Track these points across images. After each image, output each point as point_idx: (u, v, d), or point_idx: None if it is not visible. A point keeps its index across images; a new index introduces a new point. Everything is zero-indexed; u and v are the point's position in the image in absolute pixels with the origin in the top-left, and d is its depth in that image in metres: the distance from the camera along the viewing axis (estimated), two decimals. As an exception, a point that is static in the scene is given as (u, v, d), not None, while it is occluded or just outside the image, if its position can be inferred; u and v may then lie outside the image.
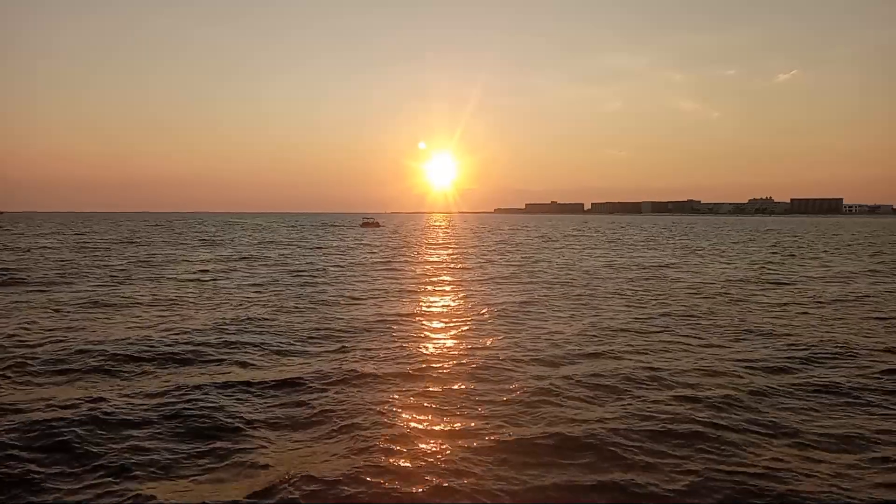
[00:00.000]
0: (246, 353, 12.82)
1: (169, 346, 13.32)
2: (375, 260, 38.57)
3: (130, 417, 8.85)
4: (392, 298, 21.10)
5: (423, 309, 18.95)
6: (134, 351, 12.75)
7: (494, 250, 49.14)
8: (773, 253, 45.31)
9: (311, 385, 10.48)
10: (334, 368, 11.52)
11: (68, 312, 17.68)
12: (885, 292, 22.99)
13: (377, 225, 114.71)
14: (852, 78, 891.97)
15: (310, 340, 14.11)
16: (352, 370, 11.34)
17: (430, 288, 24.42)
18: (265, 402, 9.63)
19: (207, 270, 30.36)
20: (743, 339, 14.42)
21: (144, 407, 9.26)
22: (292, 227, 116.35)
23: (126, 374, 11.24)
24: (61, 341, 13.72)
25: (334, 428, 8.58)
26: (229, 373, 11.39)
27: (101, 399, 9.66)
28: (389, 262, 37.45)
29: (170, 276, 27.41)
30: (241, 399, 9.77)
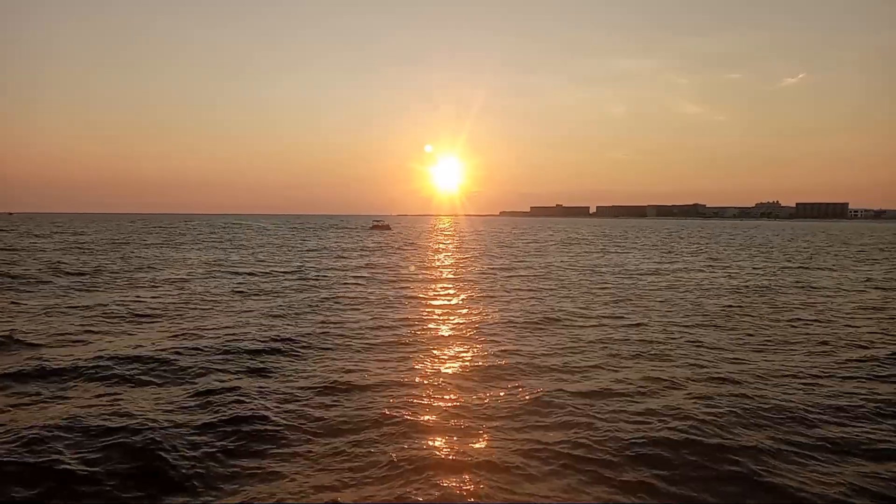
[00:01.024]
0: (233, 361, 12.83)
1: (136, 355, 12.97)
2: (372, 263, 39.28)
3: (156, 426, 8.86)
4: (380, 304, 21.04)
5: (416, 316, 18.94)
6: (105, 360, 12.56)
7: (493, 255, 49.52)
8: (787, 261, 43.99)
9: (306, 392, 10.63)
10: (332, 375, 11.70)
11: (36, 316, 17.89)
12: None
13: (387, 228, 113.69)
14: (858, 81, 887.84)
15: (292, 347, 14.15)
16: (339, 379, 11.38)
17: (422, 295, 24.19)
18: (292, 409, 9.77)
19: (193, 273, 30.75)
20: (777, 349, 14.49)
21: (159, 416, 9.34)
22: (295, 228, 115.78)
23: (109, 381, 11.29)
24: (54, 347, 14.07)
25: (345, 439, 8.72)
26: (236, 379, 11.50)
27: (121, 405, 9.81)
28: (387, 266, 37.99)
29: (149, 280, 27.36)
30: (252, 403, 9.96)
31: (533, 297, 23.31)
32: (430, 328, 17.15)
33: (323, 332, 15.91)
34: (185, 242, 61.29)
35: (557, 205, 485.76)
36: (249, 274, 31.09)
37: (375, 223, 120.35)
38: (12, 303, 20.39)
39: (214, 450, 8.24)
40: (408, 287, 26.65)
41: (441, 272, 33.95)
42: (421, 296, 23.96)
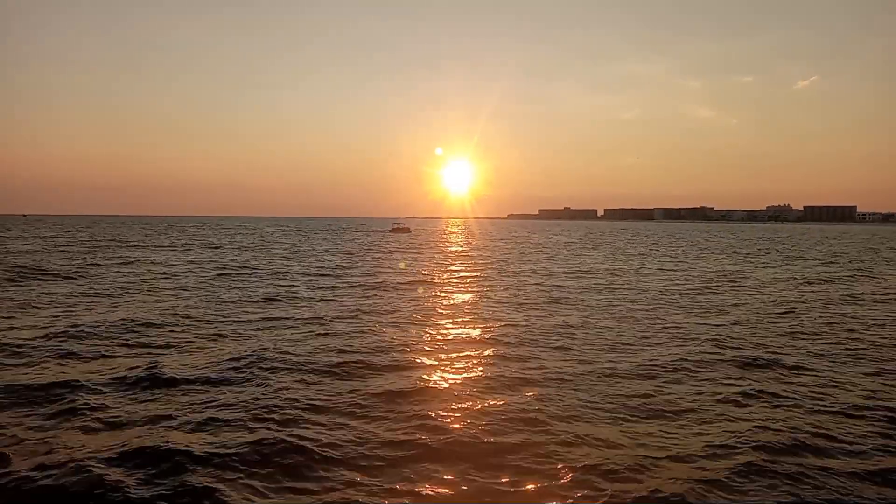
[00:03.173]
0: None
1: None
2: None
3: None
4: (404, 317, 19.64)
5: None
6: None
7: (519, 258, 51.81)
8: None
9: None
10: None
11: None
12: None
13: (407, 230, 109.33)
14: (869, 85, 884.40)
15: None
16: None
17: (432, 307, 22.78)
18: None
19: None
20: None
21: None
22: (312, 232, 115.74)
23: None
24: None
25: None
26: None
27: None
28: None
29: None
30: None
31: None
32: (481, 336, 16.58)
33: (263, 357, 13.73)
34: (176, 244, 62.59)
35: (566, 207, 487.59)
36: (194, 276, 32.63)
37: (396, 225, 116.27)
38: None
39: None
40: (438, 292, 26.54)
41: (477, 276, 34.79)
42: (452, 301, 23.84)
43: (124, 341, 15.17)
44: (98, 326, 16.79)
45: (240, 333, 16.42)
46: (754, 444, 8.78)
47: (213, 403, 10.40)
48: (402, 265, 39.60)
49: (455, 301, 23.84)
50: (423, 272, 35.60)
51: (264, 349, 14.24)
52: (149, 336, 15.89)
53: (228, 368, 12.58)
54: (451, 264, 42.14)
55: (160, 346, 14.75)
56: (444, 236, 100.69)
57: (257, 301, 22.54)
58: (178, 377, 11.77)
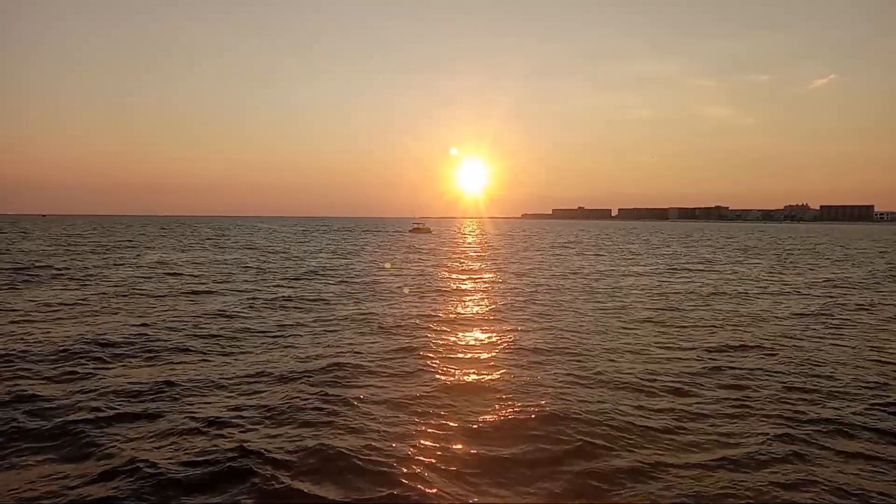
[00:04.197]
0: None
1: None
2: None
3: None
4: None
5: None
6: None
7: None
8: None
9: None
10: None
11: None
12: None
13: (428, 231, 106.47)
14: (887, 83, 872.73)
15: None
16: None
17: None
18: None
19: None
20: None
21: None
22: (340, 232, 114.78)
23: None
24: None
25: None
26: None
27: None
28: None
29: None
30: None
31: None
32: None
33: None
34: (176, 243, 64.51)
35: (579, 207, 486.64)
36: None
37: (416, 226, 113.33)
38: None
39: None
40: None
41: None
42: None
43: (119, 346, 14.92)
44: (82, 331, 16.50)
45: (233, 336, 16.32)
46: (753, 448, 8.97)
47: (206, 407, 10.51)
48: (387, 266, 39.94)
49: (449, 304, 23.24)
50: (429, 273, 35.97)
51: (259, 353, 14.53)
52: (144, 342, 15.44)
53: (218, 374, 12.59)
54: (459, 264, 42.73)
55: (151, 352, 14.46)
56: (461, 237, 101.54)
57: (251, 304, 21.93)
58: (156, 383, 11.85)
